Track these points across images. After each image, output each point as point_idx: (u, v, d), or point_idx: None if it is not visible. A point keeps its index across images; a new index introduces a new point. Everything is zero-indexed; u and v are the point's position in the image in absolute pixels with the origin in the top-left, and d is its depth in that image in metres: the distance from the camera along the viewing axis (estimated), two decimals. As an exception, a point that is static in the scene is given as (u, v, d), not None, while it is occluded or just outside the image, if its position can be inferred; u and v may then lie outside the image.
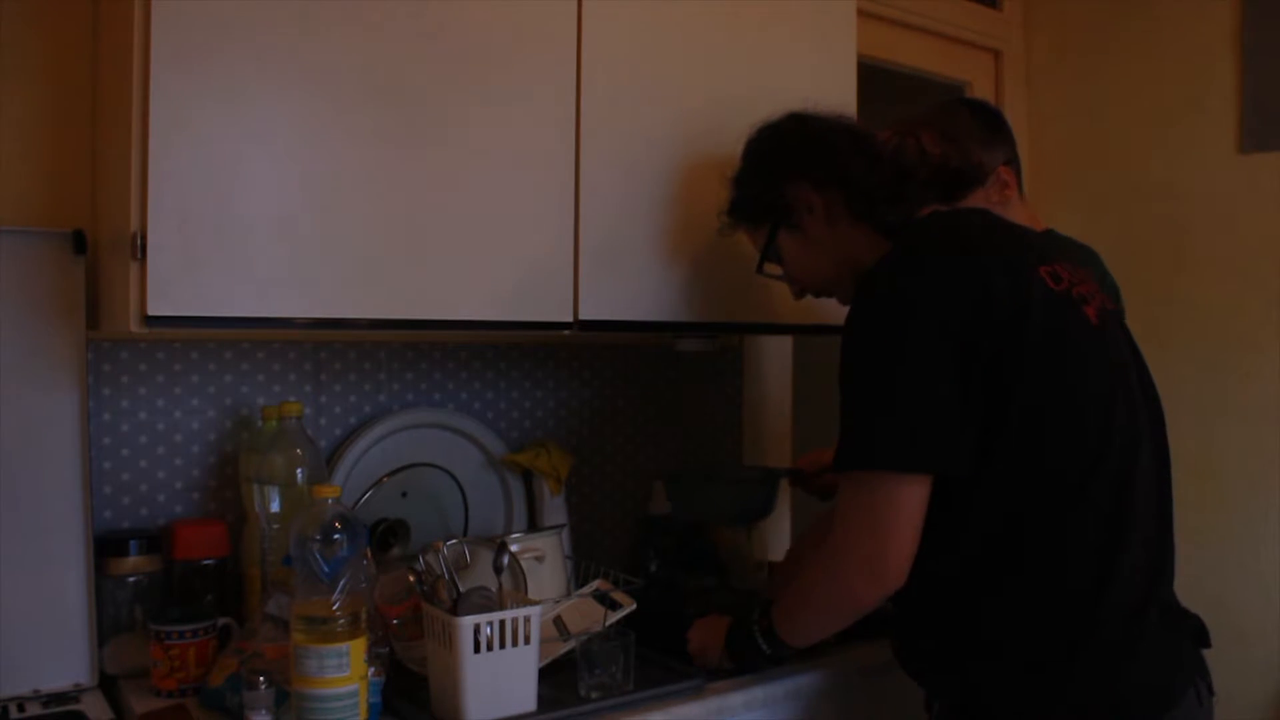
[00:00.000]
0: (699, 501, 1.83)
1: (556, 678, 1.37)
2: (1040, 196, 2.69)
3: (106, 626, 1.47)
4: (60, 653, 1.41)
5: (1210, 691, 1.24)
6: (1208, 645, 1.25)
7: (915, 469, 1.14)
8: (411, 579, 1.35)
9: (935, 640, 1.25)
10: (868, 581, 1.18)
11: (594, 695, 1.35)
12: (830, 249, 1.37)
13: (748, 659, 1.39)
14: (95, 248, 1.48)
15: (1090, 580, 1.14)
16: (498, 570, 1.35)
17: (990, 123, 1.68)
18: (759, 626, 1.35)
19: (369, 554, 1.34)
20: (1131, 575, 1.15)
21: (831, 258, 1.38)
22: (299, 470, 1.51)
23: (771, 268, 1.46)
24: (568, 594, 1.50)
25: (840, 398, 1.21)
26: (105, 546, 1.48)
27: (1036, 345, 1.14)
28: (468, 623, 1.23)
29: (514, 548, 1.47)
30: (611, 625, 1.41)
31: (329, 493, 1.24)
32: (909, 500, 1.15)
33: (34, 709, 1.36)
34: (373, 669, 1.25)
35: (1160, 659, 1.16)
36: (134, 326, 1.23)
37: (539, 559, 1.54)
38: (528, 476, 1.88)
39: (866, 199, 1.32)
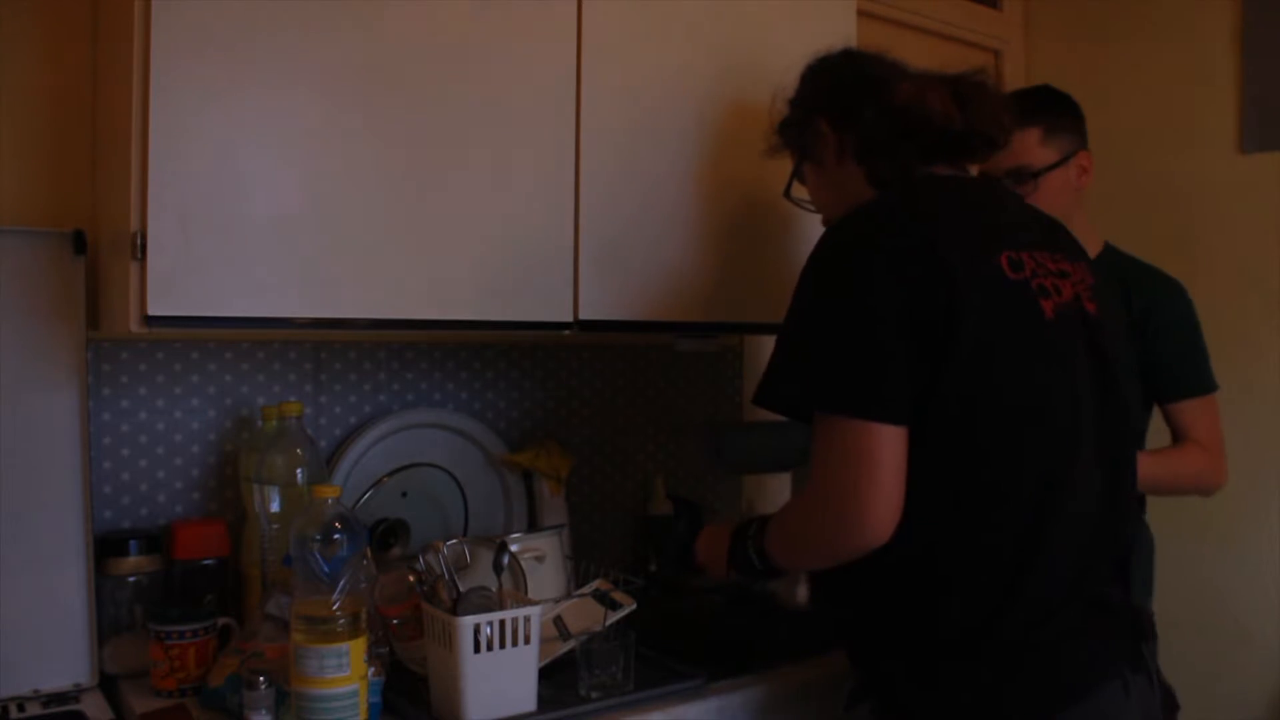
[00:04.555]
0: (743, 451, 1.79)
1: (556, 678, 1.37)
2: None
3: (106, 626, 1.47)
4: (60, 653, 1.41)
5: (1153, 684, 1.23)
6: (1144, 638, 1.24)
7: (878, 417, 1.11)
8: (411, 579, 1.35)
9: (856, 626, 1.27)
10: (847, 533, 1.14)
11: (594, 695, 1.35)
12: (837, 185, 1.38)
13: (747, 573, 1.36)
14: (95, 248, 1.48)
15: (1003, 574, 1.13)
16: (498, 570, 1.35)
17: (1050, 105, 1.75)
18: (754, 544, 1.32)
19: (369, 554, 1.34)
20: (1051, 573, 1.14)
21: (838, 194, 1.38)
22: (299, 470, 1.51)
23: (800, 193, 1.50)
24: (568, 594, 1.50)
25: (785, 330, 1.20)
26: (105, 546, 1.48)
27: (973, 333, 1.12)
28: (468, 623, 1.23)
29: (514, 548, 1.48)
30: (611, 625, 1.41)
31: (329, 493, 1.24)
32: (887, 448, 1.11)
33: (34, 709, 1.36)
34: (373, 669, 1.25)
35: (1072, 652, 1.15)
36: (134, 326, 1.23)
37: (539, 559, 1.54)
38: (528, 476, 1.88)
39: (866, 147, 1.33)
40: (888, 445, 1.11)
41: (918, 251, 1.13)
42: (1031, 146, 1.73)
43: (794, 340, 1.19)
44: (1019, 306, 1.17)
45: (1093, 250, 1.80)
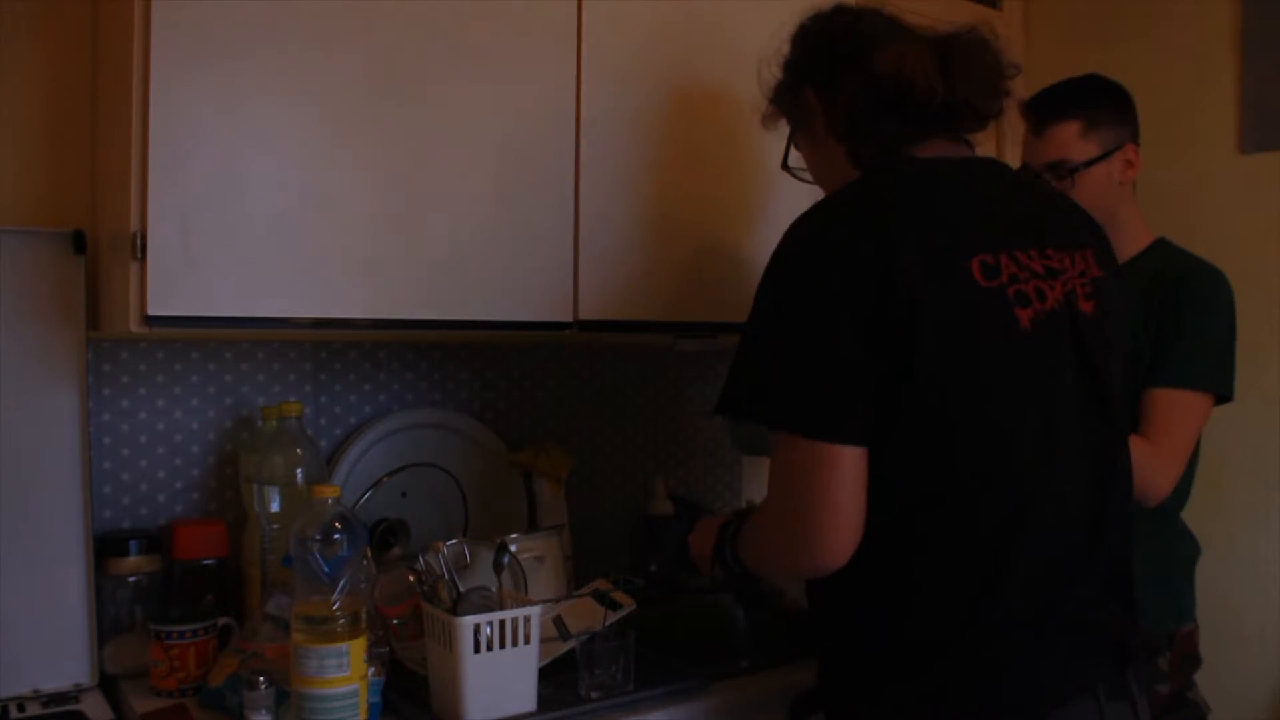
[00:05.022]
0: (754, 433, 1.73)
1: (556, 678, 1.37)
2: (1040, 196, 2.68)
3: (106, 626, 1.47)
4: (60, 653, 1.41)
5: (1135, 711, 1.14)
6: (1130, 662, 1.16)
7: (835, 438, 1.04)
8: (411, 579, 1.35)
9: (825, 634, 1.21)
10: (803, 556, 1.08)
11: (594, 695, 1.35)
12: (828, 160, 1.28)
13: (729, 574, 1.30)
14: (95, 248, 1.48)
15: (967, 593, 1.07)
16: (498, 570, 1.36)
17: (1105, 98, 1.68)
18: (730, 547, 1.27)
19: (369, 554, 1.34)
20: (1020, 592, 1.08)
21: (829, 169, 1.29)
22: (299, 470, 1.50)
23: (799, 162, 1.38)
24: (568, 594, 1.50)
25: (744, 336, 1.13)
26: (105, 546, 1.48)
27: (931, 348, 1.03)
28: (468, 623, 1.23)
29: (514, 548, 1.48)
30: (611, 625, 1.41)
31: (329, 493, 1.24)
32: (846, 470, 1.04)
33: (34, 709, 1.36)
34: (373, 669, 1.25)
35: (1036, 672, 1.09)
36: (134, 326, 1.23)
37: (539, 559, 1.54)
38: (528, 476, 1.88)
39: (847, 122, 1.22)
40: (846, 467, 1.05)
41: (876, 258, 1.04)
42: (1071, 140, 1.64)
43: (750, 349, 1.12)
44: (988, 318, 1.08)
45: (1139, 245, 1.71)
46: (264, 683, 1.22)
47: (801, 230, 1.13)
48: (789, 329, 1.09)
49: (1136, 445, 1.46)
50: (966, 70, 1.17)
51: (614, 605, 1.42)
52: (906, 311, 1.03)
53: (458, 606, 1.26)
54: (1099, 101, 1.68)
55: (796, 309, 1.08)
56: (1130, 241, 1.69)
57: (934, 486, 1.08)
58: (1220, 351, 1.64)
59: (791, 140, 1.37)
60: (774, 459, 1.11)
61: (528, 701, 1.29)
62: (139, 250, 1.21)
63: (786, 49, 1.33)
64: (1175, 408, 1.57)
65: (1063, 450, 1.11)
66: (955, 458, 1.08)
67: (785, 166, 1.41)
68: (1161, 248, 1.73)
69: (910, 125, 1.19)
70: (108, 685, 1.44)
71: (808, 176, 1.39)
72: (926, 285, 1.04)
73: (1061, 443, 1.11)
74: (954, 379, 1.06)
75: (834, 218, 1.12)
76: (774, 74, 1.34)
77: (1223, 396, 1.64)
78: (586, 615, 1.42)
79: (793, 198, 1.54)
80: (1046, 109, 1.67)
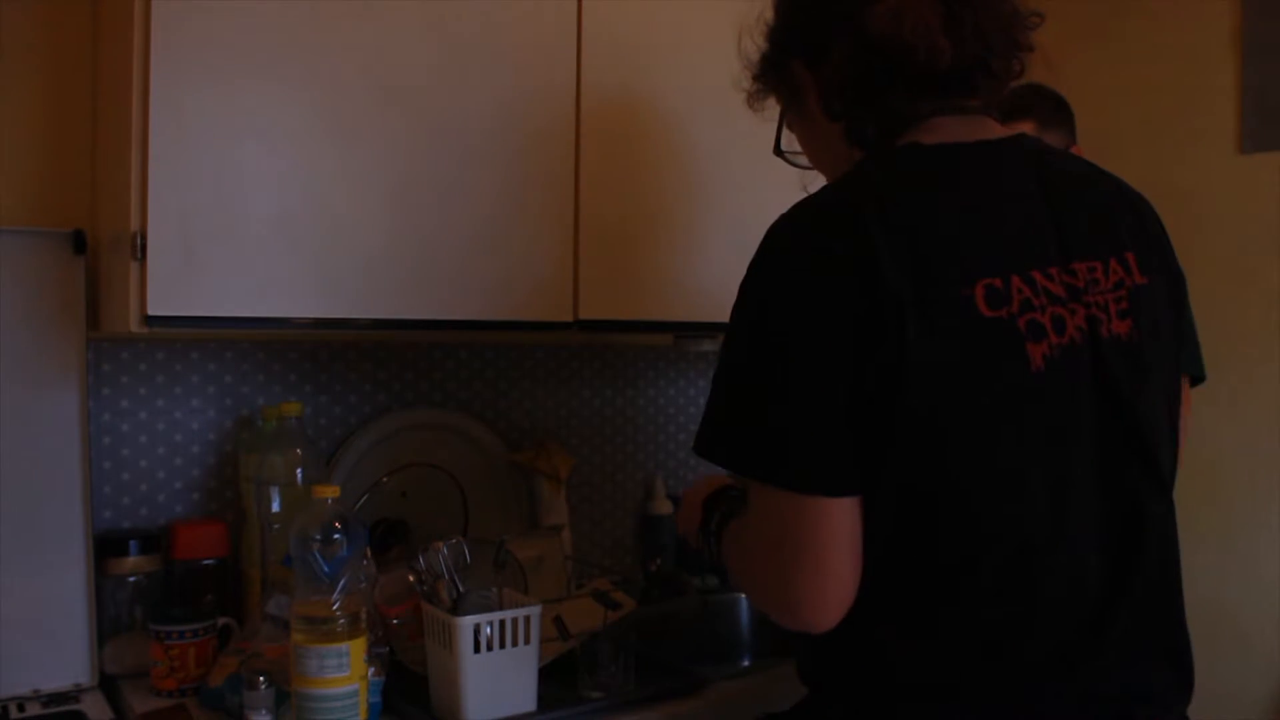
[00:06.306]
0: None
1: (556, 678, 1.37)
2: (1040, 196, 2.68)
3: (106, 626, 1.47)
4: (60, 653, 1.41)
5: None
6: None
7: (821, 491, 0.90)
8: (411, 579, 1.35)
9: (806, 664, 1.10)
10: (787, 619, 0.95)
11: (594, 695, 1.35)
12: (825, 141, 1.11)
13: (709, 556, 1.17)
14: (95, 248, 1.48)
15: (953, 667, 0.94)
16: (498, 570, 1.36)
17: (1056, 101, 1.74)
18: (715, 539, 1.13)
19: (369, 554, 1.34)
20: (1021, 668, 0.94)
21: (828, 153, 1.12)
22: (299, 470, 1.50)
23: (795, 150, 1.21)
24: (568, 594, 1.50)
25: (719, 364, 0.98)
26: (105, 546, 1.48)
27: (918, 393, 0.88)
28: (468, 623, 1.23)
29: (513, 548, 1.48)
30: (611, 625, 1.41)
31: (329, 493, 1.24)
32: (835, 524, 0.90)
33: (34, 709, 1.36)
34: (373, 669, 1.25)
35: None
36: (134, 326, 1.23)
37: (539, 559, 1.54)
38: (528, 476, 1.88)
39: (840, 96, 1.04)
40: (839, 522, 0.90)
41: (860, 287, 0.89)
42: None
43: (726, 383, 0.97)
44: (992, 356, 0.91)
45: None
46: (264, 683, 1.22)
47: (776, 247, 0.98)
48: (765, 364, 0.93)
49: None
50: (978, 24, 0.99)
51: (614, 605, 1.43)
52: (894, 350, 0.88)
53: (458, 606, 1.26)
54: (1046, 104, 1.75)
55: (771, 341, 0.93)
56: None
57: (927, 540, 0.93)
58: (1190, 337, 1.66)
59: (783, 121, 1.20)
60: (752, 507, 0.97)
61: (528, 701, 1.29)
62: (139, 250, 1.21)
63: (770, 14, 1.15)
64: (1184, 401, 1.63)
65: (1076, 508, 0.95)
66: (950, 513, 0.93)
67: (778, 151, 1.23)
68: None
69: (914, 96, 1.01)
70: (108, 685, 1.44)
71: (804, 161, 1.21)
72: (918, 318, 0.88)
73: (1075, 501, 0.95)
74: (949, 429, 0.90)
75: (811, 231, 0.95)
76: (758, 44, 1.17)
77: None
78: (586, 615, 1.42)
79: (796, 195, 1.54)
80: (1002, 111, 1.71)
